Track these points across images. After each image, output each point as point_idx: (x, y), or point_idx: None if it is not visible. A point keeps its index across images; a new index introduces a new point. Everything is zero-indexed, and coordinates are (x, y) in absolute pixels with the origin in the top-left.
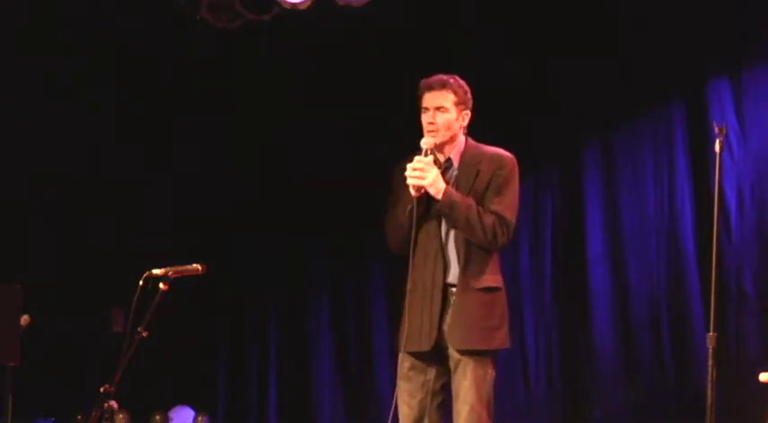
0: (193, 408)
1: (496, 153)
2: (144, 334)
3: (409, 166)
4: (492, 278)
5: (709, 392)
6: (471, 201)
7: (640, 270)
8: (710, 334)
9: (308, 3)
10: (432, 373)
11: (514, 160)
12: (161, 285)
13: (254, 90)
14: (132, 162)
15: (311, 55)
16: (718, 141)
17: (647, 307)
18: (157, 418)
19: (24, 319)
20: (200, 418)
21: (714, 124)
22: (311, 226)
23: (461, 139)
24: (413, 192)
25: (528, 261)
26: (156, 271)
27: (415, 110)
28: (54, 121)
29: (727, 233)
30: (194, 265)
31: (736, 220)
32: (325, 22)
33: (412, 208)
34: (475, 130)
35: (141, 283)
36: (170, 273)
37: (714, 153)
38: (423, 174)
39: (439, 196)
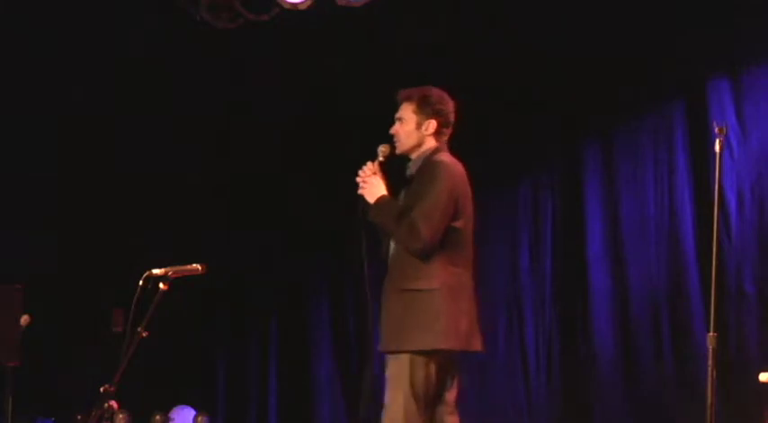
0: (193, 408)
1: (428, 162)
2: (144, 334)
3: (360, 171)
4: (420, 282)
5: (709, 392)
6: (399, 208)
7: (640, 270)
8: (710, 334)
9: (308, 3)
10: None
11: (438, 168)
12: (161, 285)
13: (254, 89)
14: (132, 162)
15: (311, 55)
16: (718, 141)
17: (647, 307)
18: (157, 418)
19: (24, 319)
20: (200, 418)
21: (714, 124)
22: (312, 225)
23: (429, 146)
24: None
25: (528, 261)
26: (156, 271)
27: None
28: (53, 121)
29: (727, 233)
30: (194, 265)
31: (736, 220)
32: (325, 22)
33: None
34: (475, 130)
35: (141, 283)
36: (170, 273)
37: (714, 153)
38: (363, 184)
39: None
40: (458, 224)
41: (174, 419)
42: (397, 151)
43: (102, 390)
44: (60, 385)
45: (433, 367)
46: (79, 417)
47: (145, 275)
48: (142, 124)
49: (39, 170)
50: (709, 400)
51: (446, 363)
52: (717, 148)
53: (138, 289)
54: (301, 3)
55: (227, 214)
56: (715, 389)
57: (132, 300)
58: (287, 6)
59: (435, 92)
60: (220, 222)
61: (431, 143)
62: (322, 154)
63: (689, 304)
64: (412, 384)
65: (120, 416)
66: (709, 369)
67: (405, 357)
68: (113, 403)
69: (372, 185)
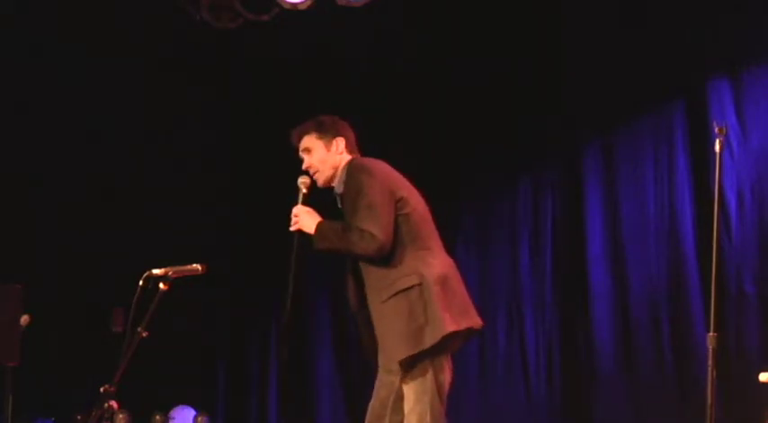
0: (193, 408)
1: (346, 172)
2: (144, 334)
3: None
4: (399, 282)
5: (709, 392)
6: (339, 225)
7: (640, 270)
8: (710, 334)
9: (308, 3)
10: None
11: (357, 170)
12: (161, 285)
13: (255, 90)
14: (132, 162)
15: (311, 55)
16: (718, 141)
17: (647, 307)
18: (157, 418)
19: (24, 319)
20: (200, 418)
21: (714, 124)
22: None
23: (344, 163)
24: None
25: (528, 261)
26: (156, 271)
27: (417, 109)
28: (53, 121)
29: (727, 233)
30: (194, 265)
31: (736, 220)
32: (325, 22)
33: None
34: (475, 130)
35: (141, 283)
36: (170, 273)
37: (714, 153)
38: (296, 219)
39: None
40: (405, 211)
41: (174, 419)
42: (319, 184)
43: (102, 390)
44: (60, 385)
45: (442, 360)
46: (79, 417)
47: (145, 275)
48: (141, 124)
49: (38, 170)
50: (709, 400)
51: (452, 346)
52: (717, 148)
53: (138, 289)
54: (301, 3)
55: (227, 213)
56: (715, 389)
57: (132, 300)
58: (287, 6)
59: (325, 116)
60: (221, 222)
61: (346, 159)
62: None
63: (689, 304)
64: (436, 383)
65: (120, 416)
66: (709, 369)
67: (420, 359)
68: (113, 403)
69: (305, 218)
